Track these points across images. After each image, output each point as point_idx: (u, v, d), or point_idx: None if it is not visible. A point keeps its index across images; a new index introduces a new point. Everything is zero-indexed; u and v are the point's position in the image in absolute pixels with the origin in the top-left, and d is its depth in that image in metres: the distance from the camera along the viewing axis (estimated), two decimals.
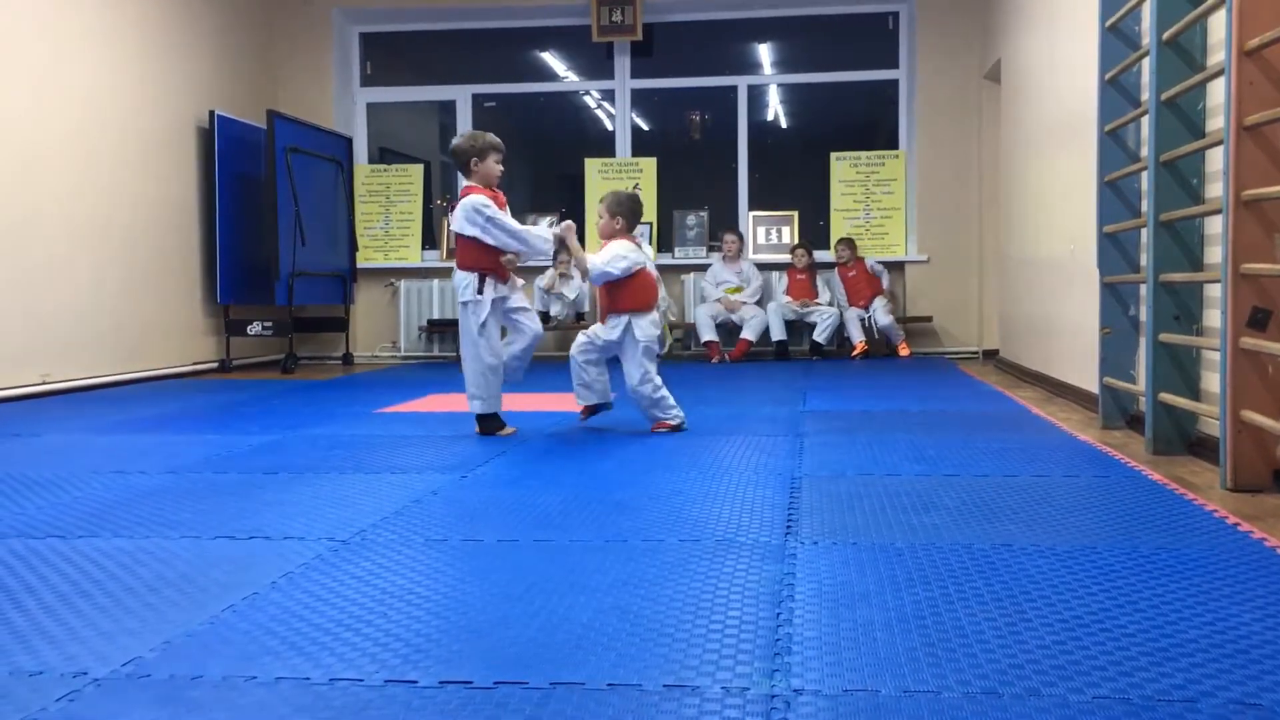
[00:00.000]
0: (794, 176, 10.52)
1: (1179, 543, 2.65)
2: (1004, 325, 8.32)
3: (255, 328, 8.39)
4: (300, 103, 9.54)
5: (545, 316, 8.84)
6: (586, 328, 4.90)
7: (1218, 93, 3.82)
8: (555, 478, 3.64)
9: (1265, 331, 3.30)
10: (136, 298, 7.54)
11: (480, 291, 4.55)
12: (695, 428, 4.75)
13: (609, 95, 10.11)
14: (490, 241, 4.52)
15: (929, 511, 3.01)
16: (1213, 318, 3.91)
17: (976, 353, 9.13)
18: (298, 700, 1.73)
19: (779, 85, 10.39)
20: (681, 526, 2.87)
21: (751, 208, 9.84)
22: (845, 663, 1.85)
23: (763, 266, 9.33)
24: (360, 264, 9.67)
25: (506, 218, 4.55)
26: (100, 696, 1.76)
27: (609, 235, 4.71)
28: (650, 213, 9.58)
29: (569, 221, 4.72)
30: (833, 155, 9.56)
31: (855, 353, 8.82)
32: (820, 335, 8.87)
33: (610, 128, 10.12)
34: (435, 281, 9.54)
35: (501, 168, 4.66)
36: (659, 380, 4.67)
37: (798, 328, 9.09)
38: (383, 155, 10.38)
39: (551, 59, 10.59)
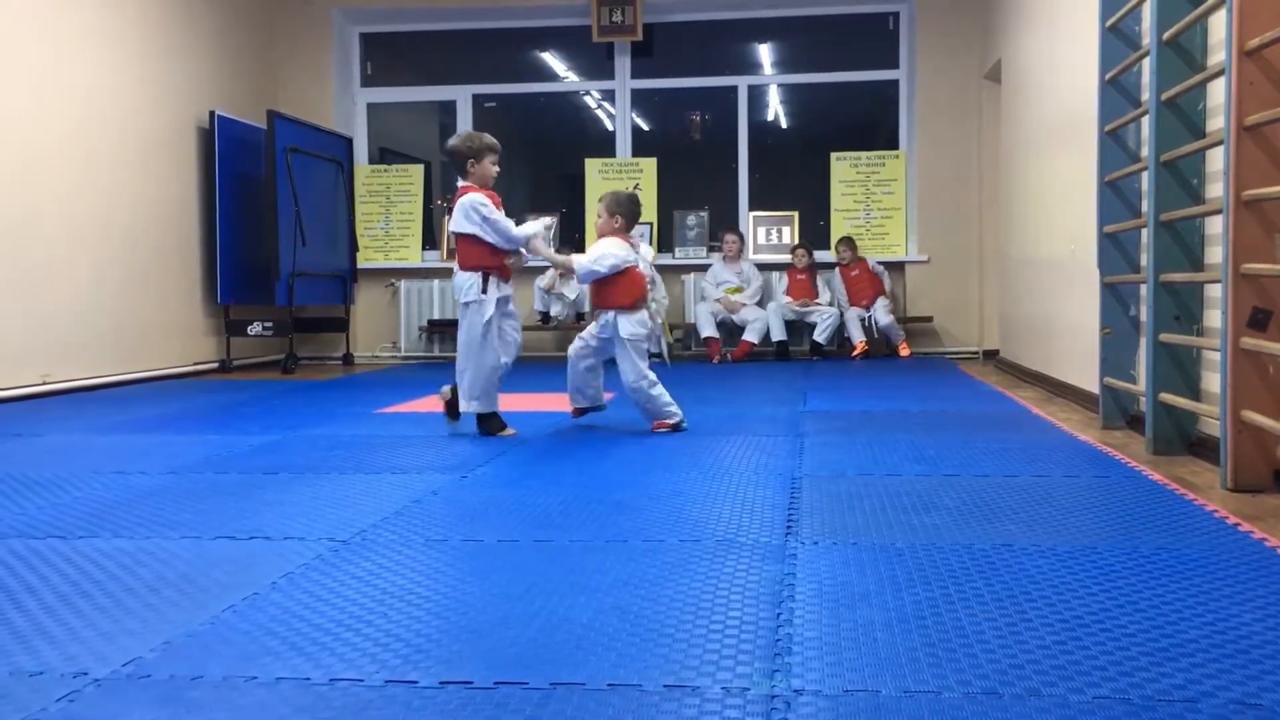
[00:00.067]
0: (794, 177, 10.53)
1: (1179, 543, 2.65)
2: (1004, 325, 8.32)
3: (255, 328, 8.39)
4: (300, 103, 9.54)
5: (545, 316, 8.84)
6: (586, 328, 4.91)
7: (1218, 93, 3.82)
8: (555, 478, 3.64)
9: (1265, 332, 3.30)
10: (137, 298, 7.54)
11: (484, 291, 4.56)
12: (695, 428, 4.75)
13: (609, 95, 10.12)
14: (488, 239, 4.54)
15: (929, 512, 3.01)
16: (1213, 318, 3.91)
17: (977, 353, 9.13)
18: (298, 700, 1.73)
19: (779, 85, 10.39)
20: (682, 527, 2.87)
21: (752, 208, 9.84)
22: (846, 663, 1.85)
23: (763, 267, 9.33)
24: (360, 264, 9.68)
25: (502, 218, 4.56)
26: (100, 697, 1.76)
27: (607, 233, 4.75)
28: (650, 213, 9.59)
29: (544, 224, 4.71)
30: (833, 155, 9.56)
31: (855, 353, 8.82)
32: (820, 335, 8.87)
33: (610, 128, 10.12)
34: (435, 282, 9.54)
35: (498, 168, 4.68)
36: (653, 377, 4.68)
37: (798, 328, 9.09)
38: (383, 155, 10.38)
39: (552, 59, 10.59)
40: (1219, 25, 3.80)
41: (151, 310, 7.71)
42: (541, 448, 4.33)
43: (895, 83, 9.69)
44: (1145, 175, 4.37)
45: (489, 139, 4.67)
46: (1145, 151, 4.41)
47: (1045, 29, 6.63)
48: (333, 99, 9.77)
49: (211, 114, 8.32)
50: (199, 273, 8.35)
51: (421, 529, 2.91)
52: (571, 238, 9.38)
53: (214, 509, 3.19)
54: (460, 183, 4.66)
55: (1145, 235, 4.33)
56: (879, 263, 9.17)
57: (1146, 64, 4.33)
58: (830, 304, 9.06)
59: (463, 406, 4.62)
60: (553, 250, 4.82)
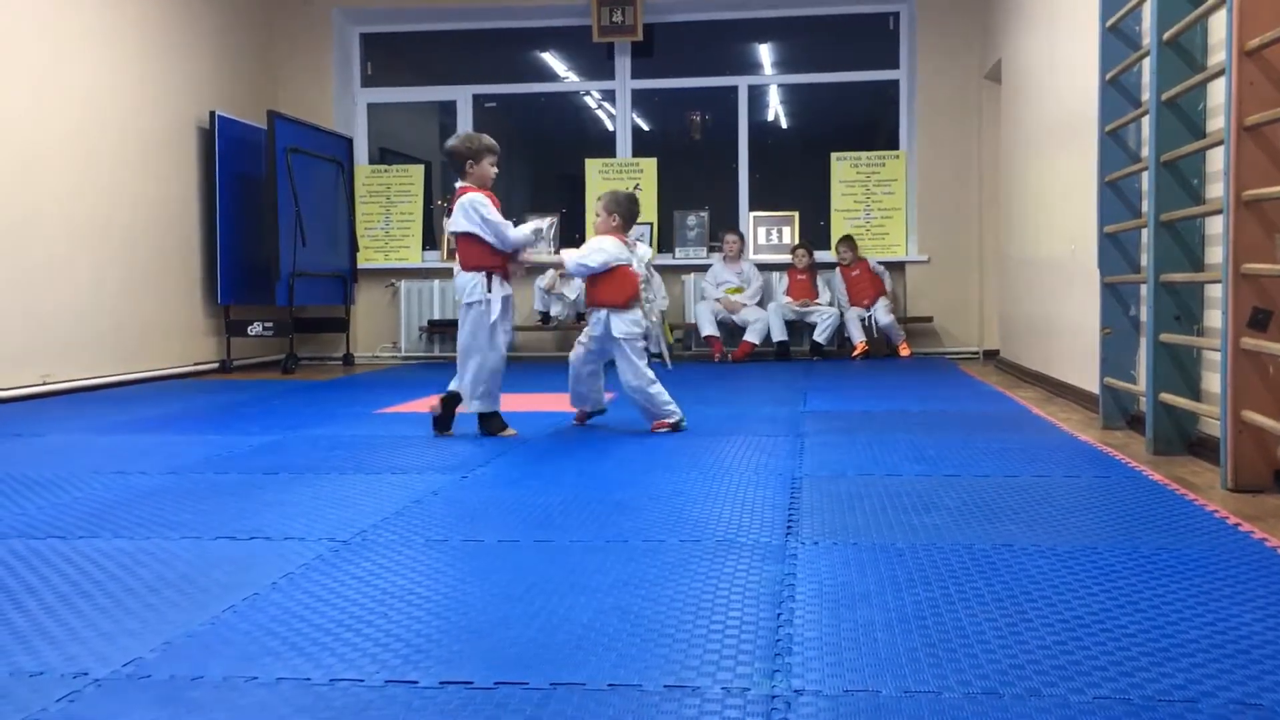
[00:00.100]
0: (794, 177, 10.52)
1: (1179, 543, 2.65)
2: (1004, 325, 8.32)
3: (256, 328, 8.39)
4: (301, 103, 9.54)
5: (545, 317, 8.84)
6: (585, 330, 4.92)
7: (1218, 93, 3.82)
8: (555, 478, 3.64)
9: (1266, 332, 3.30)
10: (137, 298, 7.54)
11: (490, 290, 4.57)
12: (696, 428, 4.75)
13: (609, 95, 10.12)
14: (489, 239, 4.55)
15: (929, 512, 3.01)
16: (1213, 318, 3.91)
17: (977, 353, 9.13)
18: (298, 701, 1.73)
19: (779, 85, 10.39)
20: (682, 527, 2.87)
21: (752, 208, 9.84)
22: (846, 663, 1.85)
23: (763, 267, 9.33)
24: (361, 264, 9.68)
25: (500, 219, 4.57)
26: (101, 697, 1.76)
27: (604, 232, 4.79)
28: (651, 213, 9.59)
29: (534, 229, 4.71)
30: (833, 155, 9.56)
31: (856, 353, 8.82)
32: (820, 335, 8.87)
33: (611, 128, 10.12)
34: (436, 282, 9.54)
35: (496, 170, 4.70)
36: (652, 375, 4.69)
37: (798, 328, 9.09)
38: (383, 155, 10.38)
39: (552, 59, 10.59)
40: (1219, 25, 3.80)
41: (152, 310, 7.71)
42: (541, 448, 4.33)
43: (895, 83, 9.69)
44: (1145, 175, 4.37)
45: (488, 140, 4.69)
46: (1145, 151, 4.41)
47: (1045, 29, 6.63)
48: (333, 99, 9.77)
49: (212, 114, 8.32)
50: (199, 273, 8.35)
51: (422, 529, 2.91)
52: (571, 238, 9.38)
53: (214, 509, 3.19)
54: (459, 183, 4.67)
55: (1145, 235, 4.33)
56: (880, 263, 9.17)
57: (1147, 64, 4.33)
58: (830, 304, 9.06)
59: (465, 406, 4.62)
60: (549, 250, 4.83)
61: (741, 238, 9.29)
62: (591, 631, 2.02)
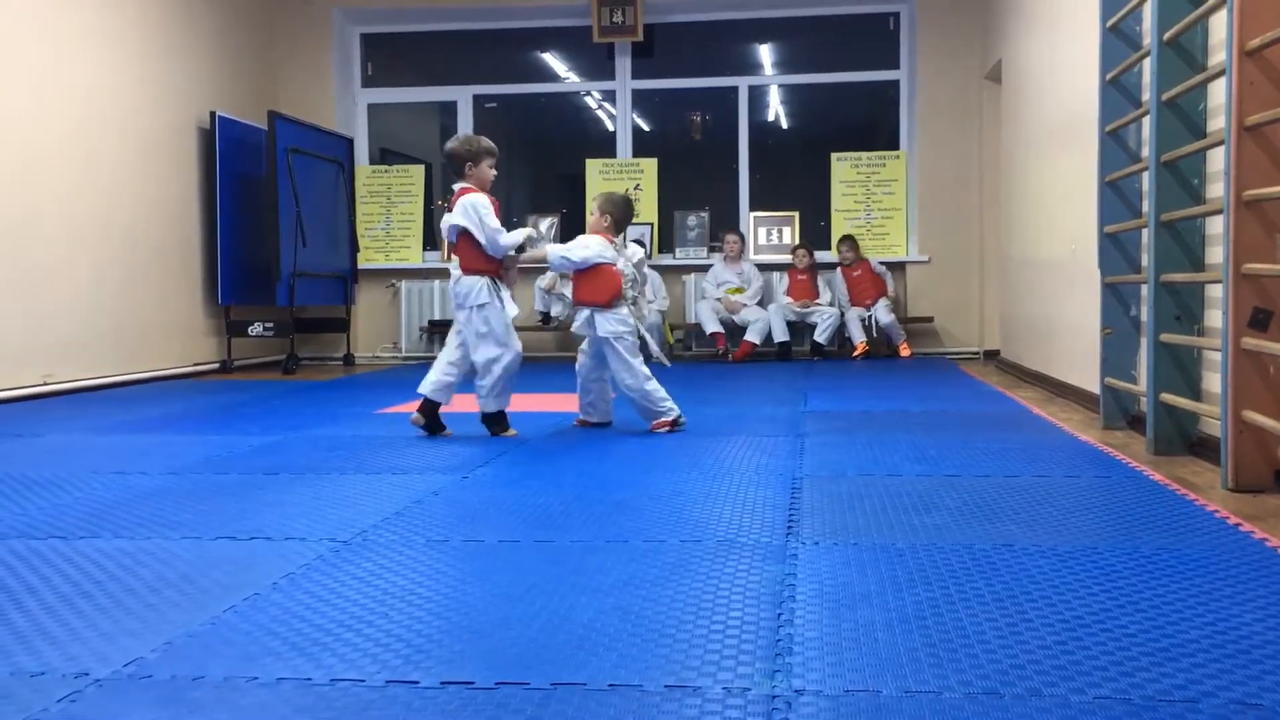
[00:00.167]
0: (795, 177, 10.52)
1: (1180, 543, 2.65)
2: (1005, 326, 8.32)
3: (256, 328, 8.39)
4: (301, 103, 9.54)
5: (546, 317, 8.83)
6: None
7: (1219, 93, 3.82)
8: (556, 478, 3.64)
9: (1266, 332, 3.30)
10: (137, 298, 7.54)
11: (498, 293, 4.58)
12: (696, 428, 4.75)
13: (610, 96, 10.12)
14: (481, 241, 4.54)
15: (930, 512, 3.01)
16: (1214, 318, 3.91)
17: (977, 353, 9.13)
18: (299, 701, 1.73)
19: (780, 86, 10.39)
20: (682, 527, 2.87)
21: (752, 208, 9.84)
22: (847, 663, 1.85)
23: (764, 267, 9.33)
24: (361, 265, 9.68)
25: (497, 225, 4.58)
26: (102, 697, 1.76)
27: (595, 231, 4.84)
28: (651, 213, 9.60)
29: (525, 235, 4.72)
30: (833, 156, 9.56)
31: (856, 353, 8.82)
32: (821, 335, 8.86)
33: (611, 128, 10.12)
34: (436, 282, 9.54)
35: (495, 172, 4.71)
36: (647, 372, 4.70)
37: (798, 328, 9.09)
38: (384, 156, 10.38)
39: (552, 60, 10.59)
40: (1219, 25, 3.80)
41: (152, 310, 7.72)
42: (542, 448, 4.33)
43: (896, 83, 9.69)
44: (1146, 175, 4.37)
45: (487, 142, 4.71)
46: (1146, 152, 4.41)
47: (1046, 29, 6.63)
48: (333, 99, 9.77)
49: (212, 114, 8.32)
50: (200, 273, 8.35)
51: (422, 529, 2.91)
52: (571, 239, 9.37)
53: (215, 509, 3.19)
54: (458, 184, 4.67)
55: (1146, 235, 4.33)
56: (881, 263, 9.17)
57: (1147, 64, 4.33)
58: (831, 304, 9.06)
59: (481, 405, 4.61)
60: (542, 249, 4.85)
61: (742, 238, 9.29)
62: (592, 632, 2.02)
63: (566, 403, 5.34)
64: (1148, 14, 4.33)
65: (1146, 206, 4.34)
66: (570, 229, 9.62)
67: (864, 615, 2.11)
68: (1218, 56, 3.90)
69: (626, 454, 4.15)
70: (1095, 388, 5.02)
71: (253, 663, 1.89)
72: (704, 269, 9.36)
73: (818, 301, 9.01)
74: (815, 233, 9.67)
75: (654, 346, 4.82)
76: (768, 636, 1.99)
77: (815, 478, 3.57)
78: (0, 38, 6.35)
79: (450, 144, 4.73)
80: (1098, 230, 4.88)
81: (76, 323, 6.92)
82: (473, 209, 4.53)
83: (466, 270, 4.60)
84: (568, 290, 8.91)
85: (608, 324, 4.67)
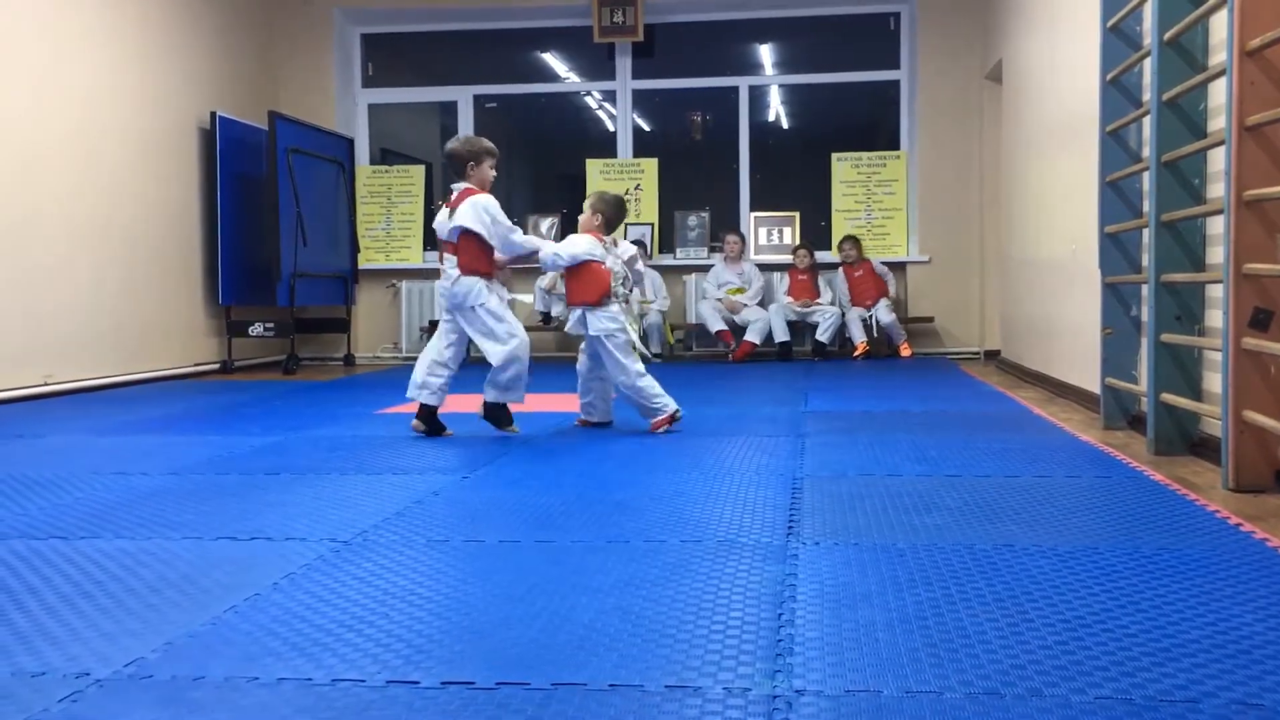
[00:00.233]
0: (795, 177, 10.52)
1: (1181, 543, 2.65)
2: (1005, 326, 8.32)
3: (257, 329, 8.39)
4: (301, 104, 9.54)
5: (546, 317, 8.83)
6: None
7: (1219, 93, 3.82)
8: (556, 478, 3.64)
9: (1267, 332, 3.30)
10: (137, 298, 7.55)
11: (490, 292, 4.59)
12: (697, 428, 4.75)
13: (610, 96, 10.11)
14: (494, 243, 4.56)
15: (931, 512, 3.01)
16: (1214, 318, 3.91)
17: (978, 353, 9.13)
18: (300, 701, 1.73)
19: (780, 86, 10.39)
20: (683, 527, 2.87)
21: (753, 208, 9.84)
22: (847, 663, 1.85)
23: (764, 267, 9.33)
24: (361, 265, 9.68)
25: (512, 226, 4.63)
26: (103, 697, 1.76)
27: (585, 229, 4.88)
28: (651, 213, 9.60)
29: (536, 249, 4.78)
30: (834, 156, 9.56)
31: (857, 353, 8.82)
32: (823, 335, 8.85)
33: (611, 128, 10.12)
34: (437, 283, 9.50)
35: (495, 172, 4.72)
36: (641, 369, 4.72)
37: (799, 328, 9.08)
38: (384, 156, 10.38)
39: (553, 60, 10.59)
40: (1220, 25, 3.80)
41: (152, 311, 7.72)
42: (542, 448, 4.33)
43: (896, 83, 9.69)
44: (1146, 175, 4.37)
45: (488, 143, 4.73)
46: (1146, 152, 4.41)
47: (1046, 29, 6.63)
48: (334, 99, 9.77)
49: (212, 114, 8.32)
50: (200, 273, 8.35)
51: (423, 529, 2.91)
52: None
53: (215, 510, 3.19)
54: (459, 184, 4.67)
55: (1146, 235, 4.33)
56: (883, 263, 9.17)
57: (1148, 64, 4.33)
58: (832, 304, 9.05)
59: (492, 397, 4.59)
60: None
61: (742, 238, 9.29)
62: (593, 632, 2.02)
63: (567, 403, 5.35)
64: (1148, 14, 4.33)
65: (1147, 206, 4.34)
66: (571, 230, 9.61)
67: (865, 615, 2.10)
68: (1218, 56, 3.90)
69: (627, 454, 4.15)
70: (1096, 388, 5.01)
71: (253, 663, 1.90)
72: (704, 269, 9.35)
73: (819, 301, 9.01)
74: (816, 233, 9.67)
75: (637, 339, 4.83)
76: (768, 637, 1.99)
77: (816, 478, 3.57)
78: (0, 38, 6.35)
79: (451, 144, 4.74)
80: (1098, 230, 4.88)
81: (77, 323, 6.92)
82: (484, 211, 4.54)
83: (467, 271, 4.59)
84: None
85: (599, 322, 4.68)
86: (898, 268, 9.32)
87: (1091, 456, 4.00)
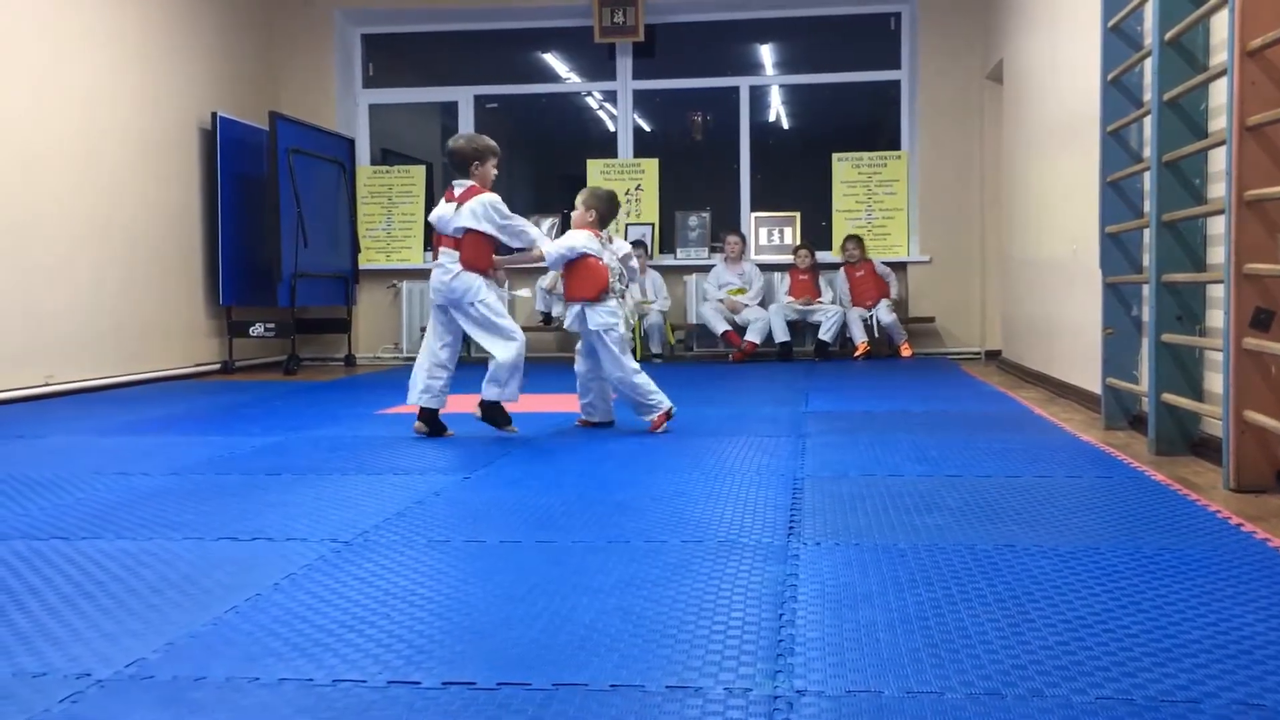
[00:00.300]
0: (796, 177, 10.52)
1: (1182, 543, 2.65)
2: (1006, 326, 8.32)
3: (257, 329, 8.39)
4: (302, 104, 9.54)
5: (547, 317, 8.83)
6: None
7: (1220, 93, 3.82)
8: (557, 479, 3.65)
9: (1268, 332, 3.30)
10: (138, 299, 7.55)
11: (488, 289, 4.60)
12: (697, 428, 4.75)
13: (611, 96, 10.11)
14: (505, 240, 4.60)
15: (931, 512, 3.01)
16: (1215, 318, 3.91)
17: (979, 353, 9.12)
18: (300, 701, 1.73)
19: (781, 86, 10.39)
20: (684, 527, 2.87)
21: (753, 208, 9.84)
22: (848, 663, 1.85)
23: (765, 267, 9.33)
24: (362, 265, 9.68)
25: (521, 220, 4.66)
26: (104, 697, 1.76)
27: (579, 225, 4.89)
28: (652, 214, 9.60)
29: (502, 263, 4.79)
30: (834, 156, 9.55)
31: (857, 353, 8.82)
32: (826, 334, 8.84)
33: (612, 129, 10.12)
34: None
35: (496, 172, 4.73)
36: (636, 366, 4.73)
37: (799, 328, 9.08)
38: (385, 156, 10.39)
39: (553, 60, 10.59)
40: (1221, 25, 3.80)
41: (153, 311, 7.72)
42: (543, 448, 4.34)
43: (897, 83, 9.69)
44: (1147, 175, 4.37)
45: (492, 142, 4.74)
46: (1147, 152, 4.41)
47: (1047, 29, 6.63)
48: (335, 100, 9.77)
49: (213, 115, 8.33)
50: (201, 274, 8.35)
51: (424, 530, 2.91)
52: None
53: (216, 510, 3.19)
54: (462, 181, 4.66)
55: (1147, 235, 4.33)
56: (884, 263, 9.17)
57: (1148, 64, 4.33)
58: (833, 303, 9.05)
59: (493, 395, 4.58)
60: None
61: (743, 238, 9.29)
62: (594, 632, 2.02)
63: (567, 403, 5.35)
64: (1149, 14, 4.33)
65: (1148, 206, 4.34)
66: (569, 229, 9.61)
67: (866, 616, 2.10)
68: (1219, 56, 3.90)
69: (627, 454, 4.15)
70: (1097, 388, 5.01)
71: (254, 663, 1.90)
72: (705, 269, 9.35)
73: (819, 300, 9.01)
74: (816, 233, 9.67)
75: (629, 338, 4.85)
76: (769, 637, 1.99)
77: (817, 478, 3.57)
78: (0, 38, 6.36)
79: (455, 142, 4.74)
80: (1099, 230, 4.88)
81: (78, 323, 6.92)
82: (493, 209, 4.56)
83: (468, 267, 4.59)
84: None
85: (597, 317, 4.70)
86: (898, 268, 9.32)
87: (1092, 457, 4.00)
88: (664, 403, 4.71)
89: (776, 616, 2.11)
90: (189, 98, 8.21)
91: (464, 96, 10.08)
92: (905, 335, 9.00)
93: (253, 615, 2.17)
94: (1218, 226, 3.80)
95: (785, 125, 10.82)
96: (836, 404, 5.70)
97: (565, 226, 9.56)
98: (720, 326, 8.92)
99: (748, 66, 10.21)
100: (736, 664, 1.85)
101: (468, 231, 4.56)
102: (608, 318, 4.71)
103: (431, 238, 4.91)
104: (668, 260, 9.58)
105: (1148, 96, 4.44)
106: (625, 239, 9.44)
